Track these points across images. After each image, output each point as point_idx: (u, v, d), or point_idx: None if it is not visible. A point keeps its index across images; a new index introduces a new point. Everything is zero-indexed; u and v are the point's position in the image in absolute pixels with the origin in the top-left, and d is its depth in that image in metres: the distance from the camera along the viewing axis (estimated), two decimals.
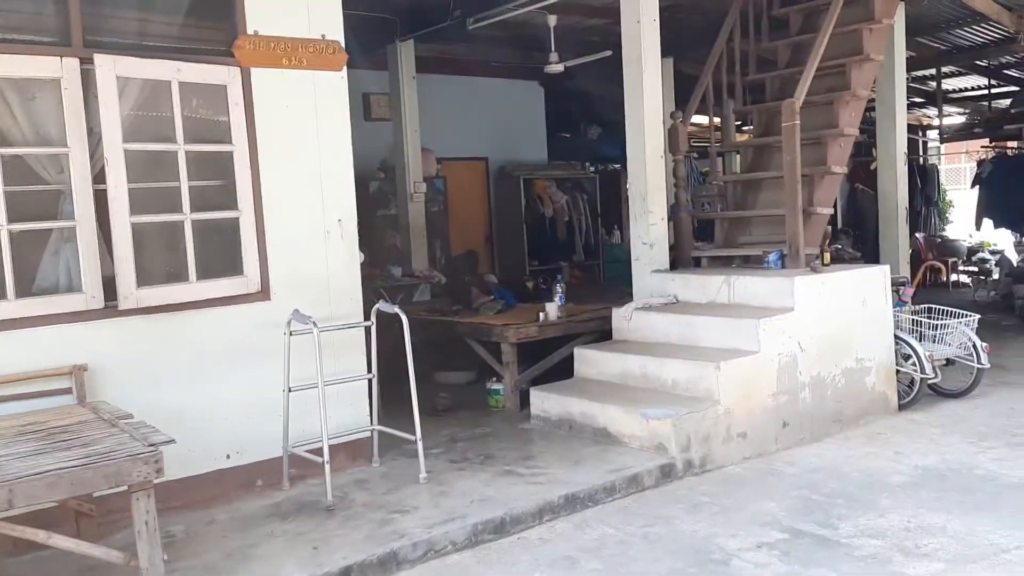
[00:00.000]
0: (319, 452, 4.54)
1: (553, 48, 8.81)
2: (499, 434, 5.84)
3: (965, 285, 14.76)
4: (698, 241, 7.30)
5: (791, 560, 3.89)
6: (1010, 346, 8.52)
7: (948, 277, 9.19)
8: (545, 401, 5.86)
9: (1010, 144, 12.43)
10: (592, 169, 12.55)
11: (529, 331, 6.41)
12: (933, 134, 15.49)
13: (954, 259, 14.49)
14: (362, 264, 5.44)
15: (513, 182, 11.48)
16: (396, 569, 3.93)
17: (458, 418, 6.32)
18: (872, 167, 11.14)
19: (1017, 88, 11.98)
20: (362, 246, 5.36)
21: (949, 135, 11.59)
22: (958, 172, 21.61)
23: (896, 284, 6.62)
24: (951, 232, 16.57)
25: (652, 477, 4.88)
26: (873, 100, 9.43)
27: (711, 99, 7.25)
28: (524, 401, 6.23)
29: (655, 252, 6.59)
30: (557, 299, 6.70)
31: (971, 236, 15.99)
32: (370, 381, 5.16)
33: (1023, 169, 11.44)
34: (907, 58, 9.48)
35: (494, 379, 6.56)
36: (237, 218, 4.81)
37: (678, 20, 9.67)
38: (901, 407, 6.31)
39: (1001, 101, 12.68)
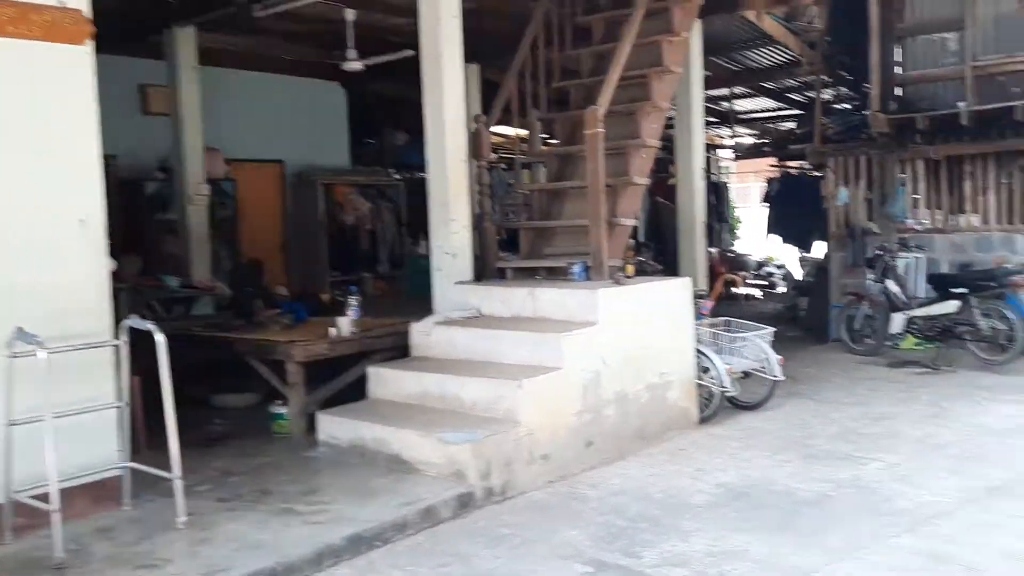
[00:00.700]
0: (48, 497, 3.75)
1: (351, 45, 8.24)
2: (281, 465, 5.20)
3: (755, 298, 15.59)
4: (505, 251, 7.00)
5: None
6: (797, 357, 8.85)
7: (743, 290, 9.44)
8: (334, 426, 5.29)
9: (795, 164, 13.20)
10: (398, 176, 12.05)
11: (318, 348, 5.81)
12: (725, 153, 16.28)
13: (743, 272, 15.26)
14: (127, 273, 4.65)
15: (312, 187, 10.77)
16: None
17: (235, 447, 5.60)
18: (671, 182, 11.44)
19: (800, 112, 12.76)
20: (130, 253, 4.60)
21: (741, 153, 12.15)
22: (747, 191, 23.07)
23: (696, 297, 6.60)
24: (741, 247, 17.52)
25: (449, 508, 4.44)
26: (672, 118, 9.63)
27: (515, 107, 7.00)
28: (313, 426, 5.61)
29: (458, 262, 6.20)
30: (351, 313, 6.14)
31: (759, 251, 16.97)
32: (120, 410, 4.38)
33: (806, 189, 12.11)
34: (704, 77, 9.74)
35: (279, 402, 5.90)
36: None
37: (484, 26, 9.42)
38: (701, 421, 6.27)
39: (787, 123, 13.46)
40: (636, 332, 5.68)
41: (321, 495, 4.57)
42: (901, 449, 5.56)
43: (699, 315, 6.65)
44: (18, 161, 4.13)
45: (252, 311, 6.42)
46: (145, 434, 5.06)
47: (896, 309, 8.54)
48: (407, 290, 11.18)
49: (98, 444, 4.34)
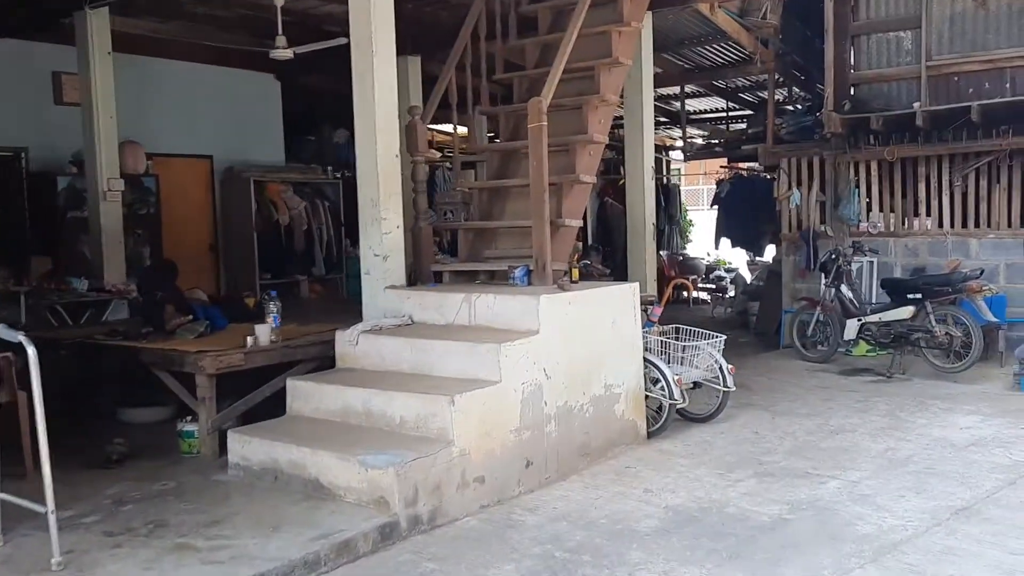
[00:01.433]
0: None
1: (281, 31, 7.70)
2: (184, 491, 4.66)
3: (704, 302, 15.34)
4: (443, 254, 6.54)
5: None
6: (749, 364, 8.55)
7: (694, 295, 9.13)
8: (245, 446, 4.77)
9: (745, 166, 12.97)
10: (337, 174, 11.47)
11: (232, 359, 5.27)
12: (676, 155, 16.04)
13: (694, 276, 15.02)
14: (33, 275, 4.07)
15: (242, 184, 10.17)
16: None
17: (136, 470, 5.05)
18: (621, 183, 11.10)
19: (751, 112, 12.52)
20: (41, 253, 4.04)
21: (692, 154, 11.87)
22: (697, 193, 22.93)
23: (644, 303, 6.22)
24: (691, 251, 17.29)
25: (369, 541, 3.96)
26: (622, 118, 9.28)
27: (454, 98, 6.55)
28: (225, 445, 5.08)
29: (389, 265, 5.71)
30: (271, 319, 5.62)
31: (709, 255, 16.74)
32: None
33: (757, 191, 11.88)
34: (654, 74, 9.40)
35: (188, 418, 5.35)
36: None
37: (426, 17, 8.96)
38: (650, 435, 5.88)
39: (738, 124, 13.22)
40: (581, 341, 5.27)
41: (225, 527, 4.05)
42: (861, 465, 5.23)
43: (648, 322, 6.27)
44: None
45: (162, 317, 5.85)
46: (32, 457, 4.49)
47: (850, 315, 8.28)
48: (345, 294, 10.66)
49: None
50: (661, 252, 14.72)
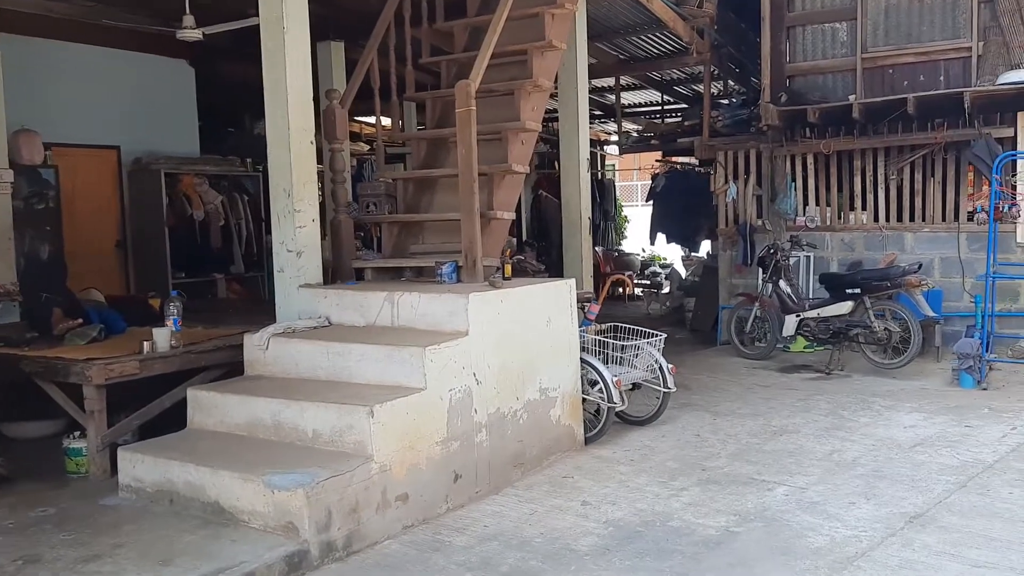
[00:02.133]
0: None
1: (188, 10, 7.12)
2: (66, 518, 4.12)
3: (639, 298, 15.16)
4: (365, 250, 6.09)
5: None
6: (687, 362, 8.30)
7: (631, 291, 8.84)
8: (138, 465, 4.26)
9: (680, 160, 12.77)
10: (258, 167, 10.82)
11: (125, 367, 4.72)
12: (610, 150, 15.82)
13: (629, 272, 14.80)
14: None
15: (153, 177, 9.48)
16: None
17: (13, 494, 4.48)
18: (555, 176, 10.78)
19: (686, 106, 12.33)
20: None
21: (627, 146, 11.61)
22: (631, 189, 22.83)
23: (581, 301, 5.88)
24: (626, 247, 17.10)
25: (274, 574, 3.50)
26: (555, 111, 8.95)
27: (376, 82, 6.11)
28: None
29: (304, 262, 5.24)
30: (171, 322, 5.08)
31: (644, 250, 16.58)
32: None
33: (692, 185, 11.70)
34: (588, 64, 9.09)
35: (76, 434, 4.79)
36: None
37: (349, 1, 8.46)
38: (588, 440, 5.54)
39: (673, 117, 13.01)
40: (514, 342, 4.89)
41: (106, 562, 3.54)
42: (807, 469, 4.98)
43: (585, 321, 5.94)
44: None
45: (49, 321, 5.26)
46: None
47: (788, 311, 8.09)
48: (266, 293, 10.06)
49: None
50: (596, 248, 14.47)
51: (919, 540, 3.91)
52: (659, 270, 15.27)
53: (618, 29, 9.56)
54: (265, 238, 10.54)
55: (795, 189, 9.09)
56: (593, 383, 5.54)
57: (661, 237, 13.21)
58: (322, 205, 6.14)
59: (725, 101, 10.97)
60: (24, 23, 8.07)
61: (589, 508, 4.42)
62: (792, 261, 8.49)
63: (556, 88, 7.35)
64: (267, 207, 10.41)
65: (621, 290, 14.17)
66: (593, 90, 12.34)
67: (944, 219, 8.46)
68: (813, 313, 7.89)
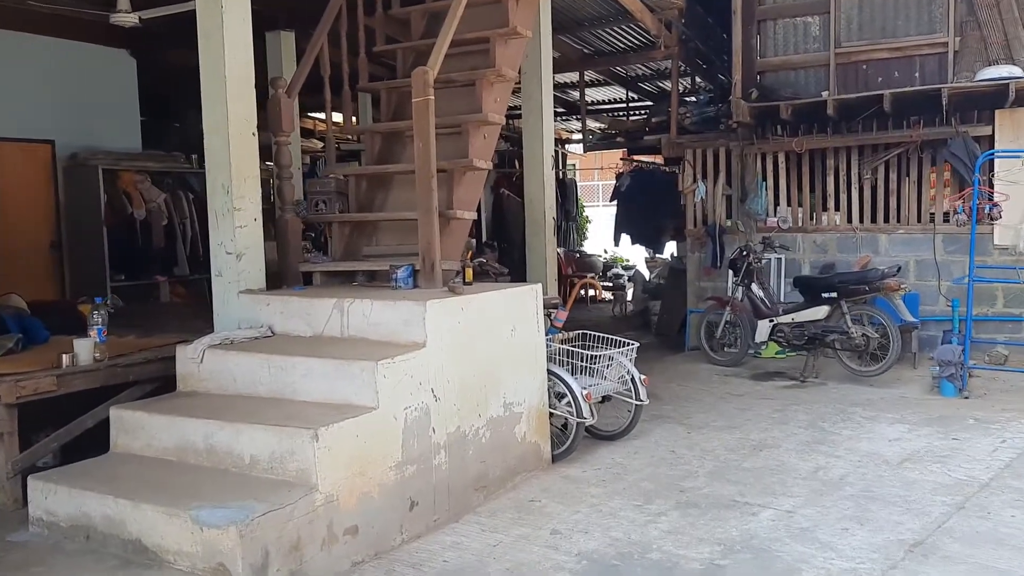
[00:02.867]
0: None
1: None
2: None
3: (603, 301, 14.82)
4: (314, 251, 5.61)
5: None
6: (656, 369, 7.94)
7: (600, 296, 8.47)
8: (50, 496, 3.75)
9: (645, 158, 12.45)
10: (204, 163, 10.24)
11: (39, 383, 4.21)
12: (573, 148, 15.47)
13: (592, 274, 14.46)
14: None
15: (89, 173, 8.87)
16: None
17: None
18: (516, 176, 10.37)
19: (652, 103, 12.00)
20: None
21: (592, 143, 11.23)
22: (592, 189, 22.50)
23: (547, 307, 5.47)
24: (588, 248, 16.77)
25: None
26: (518, 108, 8.54)
27: (326, 71, 5.65)
28: None
29: (245, 265, 4.76)
30: (95, 332, 4.56)
31: (606, 252, 16.25)
32: None
33: (658, 185, 11.36)
34: (552, 59, 8.71)
35: None
36: None
37: None
38: (555, 458, 5.13)
39: (640, 115, 12.68)
40: (476, 354, 4.46)
41: None
42: (792, 489, 4.62)
43: (551, 328, 5.53)
44: None
45: None
46: None
47: (761, 315, 7.78)
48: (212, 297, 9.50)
49: None
50: (558, 249, 14.10)
51: (923, 573, 3.57)
52: (622, 272, 14.96)
53: (583, 21, 9.18)
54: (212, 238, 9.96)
55: (766, 189, 8.80)
56: (560, 396, 5.14)
57: (625, 238, 12.86)
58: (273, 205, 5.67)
59: (692, 98, 10.65)
60: None
61: (559, 538, 4.01)
62: (763, 263, 8.19)
63: (519, 82, 6.95)
64: None
65: (584, 292, 13.83)
66: (556, 86, 11.95)
67: (919, 220, 8.22)
68: (787, 318, 7.58)
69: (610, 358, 5.43)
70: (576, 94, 11.72)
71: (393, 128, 5.74)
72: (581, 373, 5.37)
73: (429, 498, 4.09)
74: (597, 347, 5.55)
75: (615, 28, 9.36)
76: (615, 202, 12.82)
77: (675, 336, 9.80)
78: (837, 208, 8.56)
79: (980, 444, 5.35)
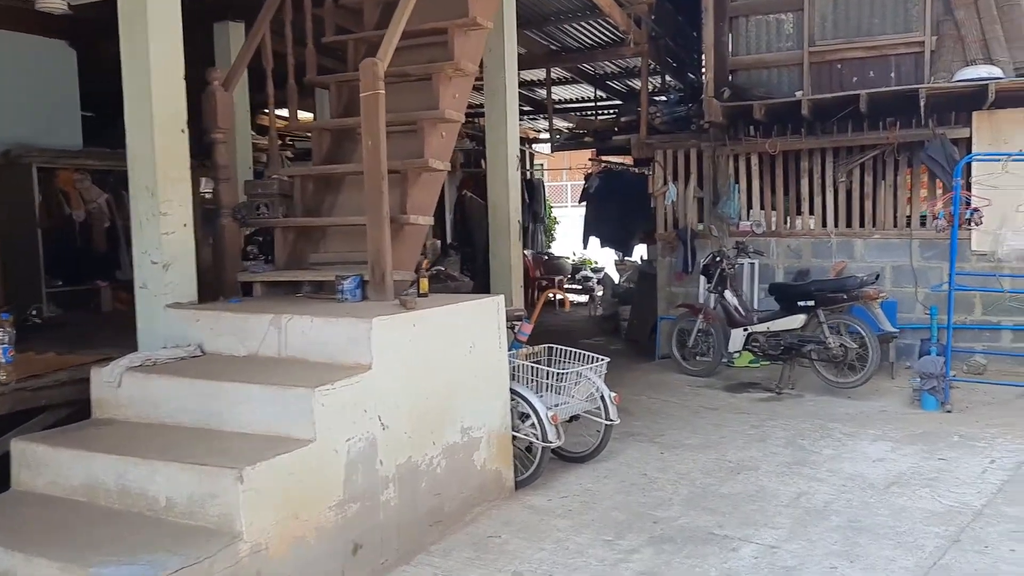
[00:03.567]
0: None
1: None
2: None
3: (572, 305, 14.45)
4: (253, 260, 5.15)
5: None
6: (626, 380, 7.58)
7: (567, 307, 8.08)
8: None
9: (615, 159, 12.09)
10: None
11: None
12: (540, 148, 15.08)
13: (560, 277, 14.10)
14: None
15: (23, 172, 8.27)
16: None
17: None
18: (484, 175, 9.91)
19: (621, 103, 11.64)
20: None
21: (560, 143, 10.83)
22: (560, 189, 22.14)
23: (511, 320, 5.07)
24: (556, 250, 16.41)
25: None
26: (481, 106, 8.12)
27: (269, 61, 5.19)
28: None
29: (172, 277, 4.29)
30: None
31: (575, 254, 15.90)
32: None
33: (628, 186, 11.01)
34: (518, 55, 8.31)
35: None
36: None
37: None
38: (518, 484, 4.73)
39: (608, 114, 12.31)
40: (431, 375, 4.04)
41: None
42: (774, 519, 4.26)
43: (515, 343, 5.13)
44: None
45: None
46: None
47: (735, 324, 7.45)
48: None
49: None
50: (525, 251, 13.71)
51: None
52: (591, 275, 14.62)
53: (550, 15, 8.78)
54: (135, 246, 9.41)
55: (739, 191, 8.47)
56: (524, 417, 4.74)
57: (594, 241, 12.50)
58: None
59: (663, 98, 10.31)
60: None
61: None
62: (736, 269, 7.86)
63: (481, 78, 6.54)
64: None
65: (553, 297, 13.47)
66: (522, 83, 11.55)
67: (896, 225, 7.95)
68: (762, 327, 7.26)
69: (578, 375, 5.03)
70: (543, 92, 11.32)
71: (343, 125, 5.30)
72: (547, 391, 4.97)
73: (375, 539, 3.66)
74: (564, 362, 5.16)
75: (583, 23, 8.98)
76: (584, 203, 12.46)
77: (645, 342, 9.46)
78: (812, 212, 8.26)
79: (968, 465, 5.05)
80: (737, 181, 8.47)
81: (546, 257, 14.25)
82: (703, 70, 8.47)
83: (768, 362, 7.48)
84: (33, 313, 6.46)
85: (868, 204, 8.03)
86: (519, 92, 11.59)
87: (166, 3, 4.22)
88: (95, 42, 8.98)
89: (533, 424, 4.68)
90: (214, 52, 8.15)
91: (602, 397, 5.06)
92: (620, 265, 12.95)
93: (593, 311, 12.33)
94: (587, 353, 5.15)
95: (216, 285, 4.77)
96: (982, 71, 7.11)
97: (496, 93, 6.88)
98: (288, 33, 5.31)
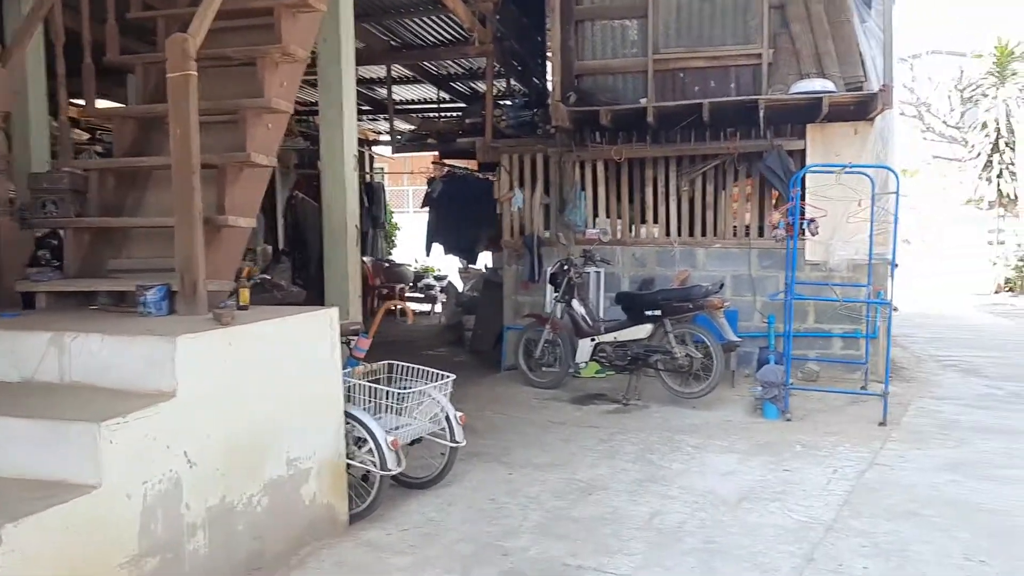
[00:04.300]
0: None
1: None
2: None
3: (415, 314, 13.99)
4: (39, 266, 4.39)
5: None
6: (471, 393, 7.24)
7: (410, 318, 7.62)
8: None
9: (460, 163, 11.75)
10: None
11: None
12: (381, 150, 14.55)
13: (401, 285, 13.63)
14: None
15: None
16: None
17: None
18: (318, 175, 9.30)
19: (465, 105, 11.32)
20: None
21: (401, 144, 10.36)
22: (401, 194, 21.61)
23: (347, 334, 4.58)
24: (397, 257, 15.92)
25: None
26: (316, 104, 7.57)
27: (59, 37, 4.46)
28: None
29: None
30: None
31: (417, 261, 15.46)
32: None
33: (472, 191, 10.69)
34: (356, 49, 7.81)
35: None
36: None
37: None
38: (354, 517, 4.25)
39: (452, 116, 11.95)
40: (250, 400, 3.51)
41: None
42: (629, 544, 4.01)
43: (351, 360, 4.64)
44: None
45: None
46: None
47: (582, 334, 7.27)
48: None
49: None
50: (365, 258, 13.14)
51: None
52: (434, 283, 14.24)
53: (390, 8, 8.33)
54: None
55: (585, 199, 8.33)
56: (361, 442, 4.27)
57: (437, 248, 12.11)
58: None
59: (508, 102, 10.08)
60: None
61: None
62: (584, 278, 7.70)
63: (316, 72, 6.00)
64: None
65: (394, 308, 12.97)
66: (361, 81, 11.02)
67: (736, 235, 8.04)
68: (609, 337, 7.11)
69: (421, 394, 4.61)
70: (383, 91, 10.82)
71: (150, 112, 4.63)
72: (386, 413, 4.52)
73: None
74: (406, 380, 4.73)
75: (425, 19, 8.58)
76: (426, 208, 12.05)
77: (491, 352, 9.16)
78: (656, 221, 8.24)
79: (812, 475, 5.02)
80: (584, 188, 8.33)
81: (387, 264, 13.72)
82: (549, 75, 8.27)
83: (615, 372, 7.35)
84: None
85: (710, 214, 8.08)
86: (358, 90, 11.07)
87: None
88: None
89: (371, 450, 4.22)
90: (3, 29, 7.16)
91: (447, 417, 4.67)
92: (464, 273, 12.63)
93: (438, 321, 11.94)
94: (431, 370, 4.74)
95: None
96: (816, 84, 7.28)
97: (331, 87, 6.32)
98: (85, 4, 4.60)
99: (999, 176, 17.10)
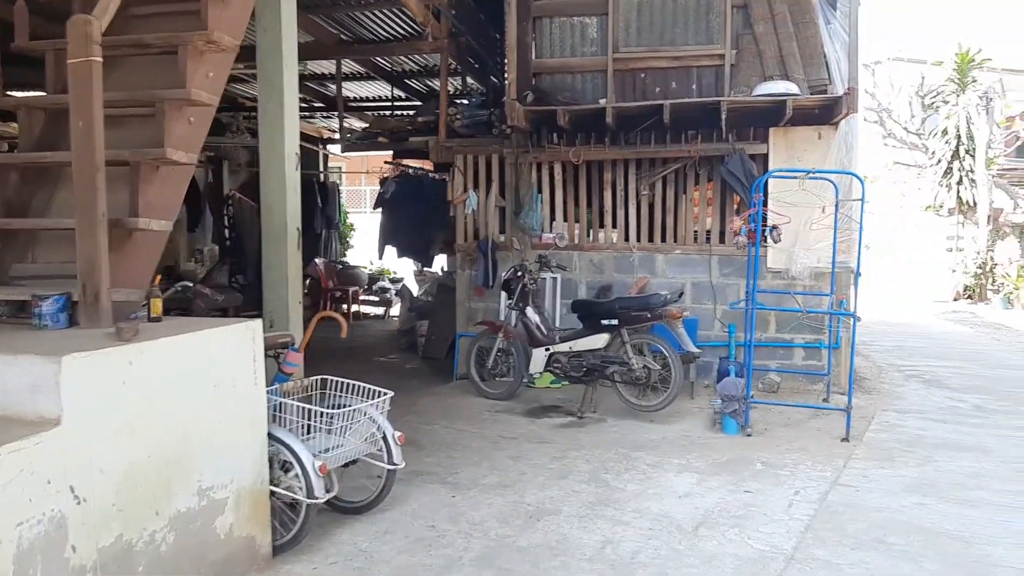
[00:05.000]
0: None
1: None
2: None
3: (367, 316, 13.64)
4: None
5: None
6: (420, 404, 6.90)
7: (346, 333, 7.24)
8: None
9: (414, 164, 11.38)
10: None
11: None
12: (335, 149, 14.13)
13: (355, 288, 13.23)
14: None
15: None
16: None
17: None
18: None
19: (420, 104, 10.95)
20: None
21: (351, 142, 9.95)
22: (358, 194, 21.15)
23: (275, 347, 4.22)
24: (352, 258, 15.51)
25: None
26: (255, 98, 7.15)
27: None
28: None
29: None
30: None
31: (372, 263, 15.06)
32: None
33: (426, 192, 10.34)
34: (303, 43, 7.45)
35: None
36: None
37: None
38: (278, 549, 3.88)
39: (406, 115, 11.56)
40: (156, 425, 3.13)
41: None
42: None
43: (280, 375, 4.27)
44: None
45: None
46: None
47: (537, 343, 6.96)
48: None
49: None
50: (317, 260, 12.74)
51: None
52: (388, 285, 13.86)
53: (338, 1, 7.94)
54: None
55: (541, 202, 8.03)
56: (287, 467, 3.90)
57: (391, 250, 11.73)
58: None
59: (464, 101, 9.74)
60: None
61: None
62: (539, 284, 7.40)
63: (254, 65, 5.61)
64: None
65: (348, 311, 12.58)
66: (311, 77, 10.63)
67: (696, 240, 7.79)
68: (565, 346, 6.81)
69: (356, 412, 4.26)
70: (334, 87, 10.41)
71: (59, 103, 4.20)
72: (317, 433, 4.16)
73: None
74: (341, 397, 4.37)
75: (377, 12, 8.20)
76: (379, 209, 11.66)
77: (444, 360, 8.83)
78: (615, 225, 7.96)
79: (773, 497, 4.76)
80: (540, 191, 8.03)
81: (340, 266, 13.31)
82: (506, 73, 7.95)
83: (570, 383, 7.06)
84: None
85: (670, 219, 7.82)
86: (309, 86, 10.67)
87: None
88: None
89: (297, 475, 3.86)
90: None
91: (384, 438, 4.32)
92: (419, 276, 12.26)
93: (394, 325, 11.57)
94: (367, 386, 4.38)
95: None
96: (780, 87, 7.05)
97: (271, 80, 5.93)
98: None
99: (959, 183, 17.15)
